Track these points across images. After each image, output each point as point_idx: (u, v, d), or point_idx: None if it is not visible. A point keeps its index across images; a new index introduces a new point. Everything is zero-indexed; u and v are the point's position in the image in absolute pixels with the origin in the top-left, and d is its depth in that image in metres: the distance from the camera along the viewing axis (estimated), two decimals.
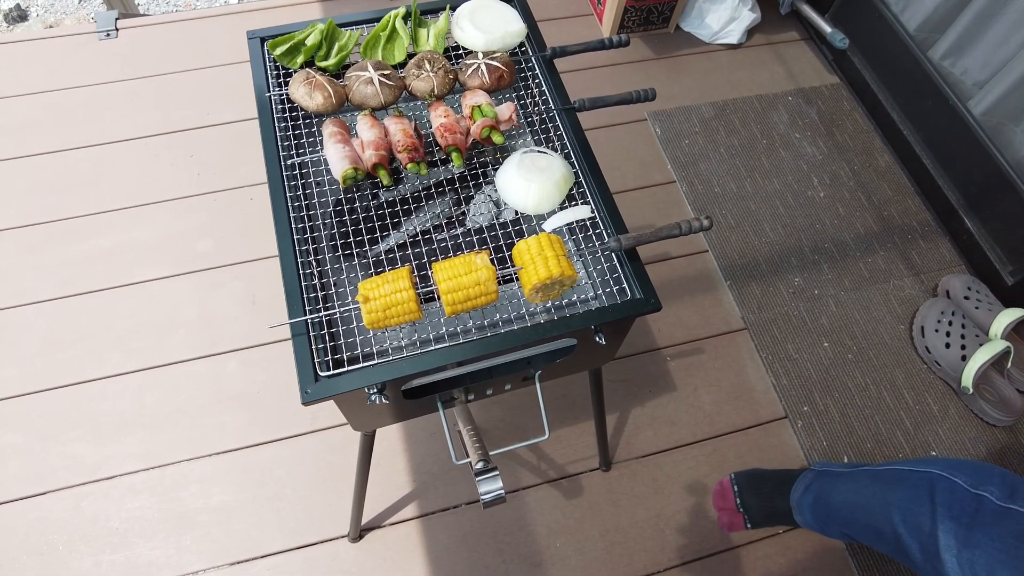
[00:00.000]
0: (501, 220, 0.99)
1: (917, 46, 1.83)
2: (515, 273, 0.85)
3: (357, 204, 0.95)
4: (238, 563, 1.32)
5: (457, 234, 0.96)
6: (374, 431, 1.04)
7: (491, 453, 0.90)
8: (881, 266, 1.76)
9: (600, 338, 0.86)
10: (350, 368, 0.78)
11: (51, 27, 2.27)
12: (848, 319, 1.67)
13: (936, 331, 1.58)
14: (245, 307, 1.60)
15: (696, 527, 1.40)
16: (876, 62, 1.99)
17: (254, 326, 1.57)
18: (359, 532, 1.34)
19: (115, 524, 1.35)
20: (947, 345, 1.56)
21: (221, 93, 1.93)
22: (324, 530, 1.36)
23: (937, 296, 1.69)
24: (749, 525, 1.33)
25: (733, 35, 2.10)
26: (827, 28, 1.89)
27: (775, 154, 1.93)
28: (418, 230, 0.97)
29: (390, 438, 1.46)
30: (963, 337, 1.55)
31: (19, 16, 2.63)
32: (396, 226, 0.97)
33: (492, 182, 0.98)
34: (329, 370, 0.78)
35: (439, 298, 0.81)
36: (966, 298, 1.63)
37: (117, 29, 2.00)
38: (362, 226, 0.92)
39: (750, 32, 2.16)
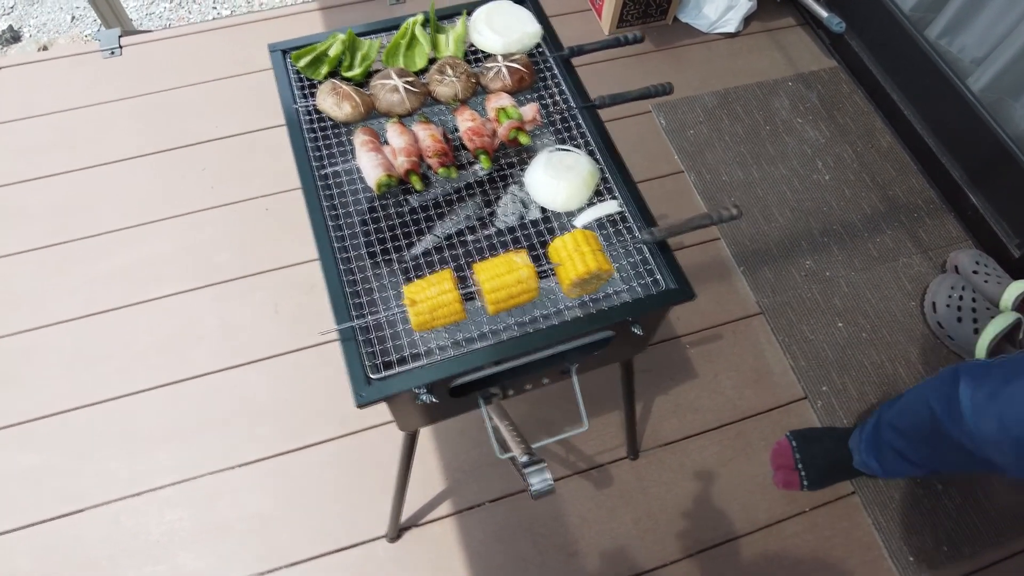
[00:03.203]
0: (529, 219, 1.01)
1: (913, 26, 1.86)
2: (551, 269, 0.87)
3: (392, 210, 0.97)
4: (277, 569, 1.34)
5: (489, 234, 0.98)
6: (417, 430, 1.06)
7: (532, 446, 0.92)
8: (889, 245, 1.78)
9: (637, 329, 0.88)
10: (400, 369, 0.80)
11: (45, 48, 2.27)
12: (860, 298, 1.69)
13: (948, 306, 1.61)
14: (267, 317, 1.61)
15: (726, 509, 1.43)
16: (873, 44, 2.02)
17: (277, 335, 1.59)
18: (398, 531, 1.36)
19: (155, 537, 1.37)
20: (959, 319, 1.59)
21: (228, 105, 1.94)
22: (360, 532, 1.38)
23: (946, 272, 1.72)
24: (806, 484, 1.39)
25: (731, 24, 2.13)
26: (823, 12, 1.91)
27: (779, 140, 1.96)
28: (452, 232, 0.99)
29: (421, 438, 1.47)
30: (974, 311, 1.58)
31: (12, 38, 2.63)
32: (429, 230, 0.99)
33: (518, 182, 1.00)
34: (379, 372, 0.80)
35: (481, 297, 0.83)
36: (975, 272, 1.66)
37: (121, 47, 2.01)
38: (398, 231, 0.94)
39: (747, 20, 2.18)
